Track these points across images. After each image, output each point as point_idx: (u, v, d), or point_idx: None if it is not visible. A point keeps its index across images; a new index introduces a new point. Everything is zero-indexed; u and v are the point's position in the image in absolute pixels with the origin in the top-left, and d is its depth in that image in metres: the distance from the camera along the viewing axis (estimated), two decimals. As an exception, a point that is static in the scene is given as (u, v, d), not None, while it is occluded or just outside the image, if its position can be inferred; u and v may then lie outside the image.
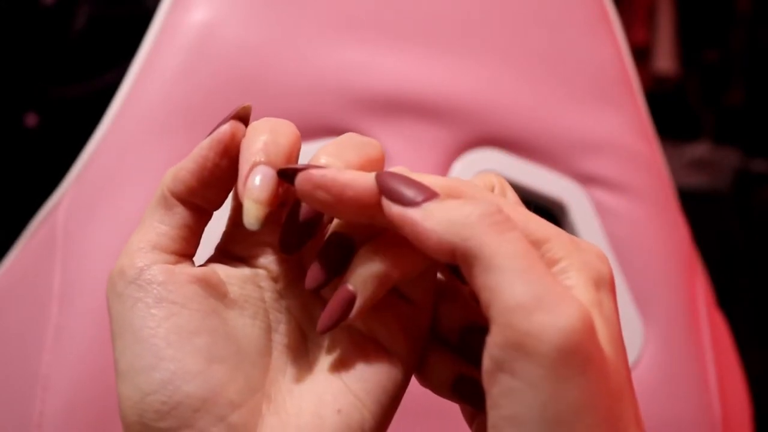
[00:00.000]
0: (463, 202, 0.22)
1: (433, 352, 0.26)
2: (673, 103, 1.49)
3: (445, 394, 0.26)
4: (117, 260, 0.25)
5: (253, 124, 0.26)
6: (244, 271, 0.26)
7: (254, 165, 0.24)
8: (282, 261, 0.27)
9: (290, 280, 0.27)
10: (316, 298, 0.27)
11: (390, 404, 0.25)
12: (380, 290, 0.24)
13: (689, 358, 0.50)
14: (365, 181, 0.23)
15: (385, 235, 0.25)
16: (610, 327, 0.22)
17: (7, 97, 0.78)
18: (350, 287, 0.24)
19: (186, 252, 0.26)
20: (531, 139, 0.51)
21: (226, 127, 0.25)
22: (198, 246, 0.26)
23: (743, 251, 1.25)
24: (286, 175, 0.24)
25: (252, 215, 0.24)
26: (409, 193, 0.23)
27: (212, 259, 0.27)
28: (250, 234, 0.26)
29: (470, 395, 0.25)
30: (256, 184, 0.24)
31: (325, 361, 0.26)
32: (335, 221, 0.26)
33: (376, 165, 0.26)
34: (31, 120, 0.78)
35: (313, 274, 0.25)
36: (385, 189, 0.23)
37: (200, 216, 0.26)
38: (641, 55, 1.44)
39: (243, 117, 0.26)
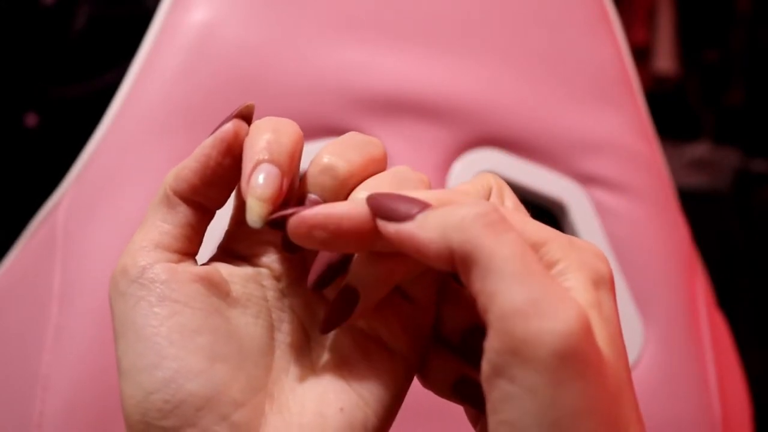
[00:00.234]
0: (457, 206, 0.22)
1: (435, 354, 0.26)
2: (673, 103, 1.49)
3: (446, 396, 0.26)
4: (119, 259, 0.25)
5: (256, 123, 0.26)
6: (246, 270, 0.26)
7: (258, 163, 0.24)
8: (285, 260, 0.27)
9: (293, 278, 0.27)
10: (319, 296, 0.27)
11: (393, 403, 0.25)
12: (383, 290, 0.24)
13: (689, 358, 0.50)
14: (358, 208, 0.23)
15: None
16: (609, 327, 0.22)
17: (7, 97, 0.78)
18: (352, 287, 0.24)
19: (189, 251, 0.26)
20: (531, 139, 0.51)
21: (229, 126, 0.25)
22: (201, 245, 0.26)
23: (743, 251, 1.25)
24: (277, 223, 0.24)
25: (255, 213, 0.24)
26: (402, 208, 0.22)
27: (215, 258, 0.27)
28: (253, 232, 0.26)
29: (472, 397, 0.25)
30: (259, 182, 0.24)
31: (327, 359, 0.26)
32: None
33: (379, 164, 0.26)
34: (31, 120, 0.78)
35: (316, 272, 0.25)
36: (377, 209, 0.23)
37: (203, 215, 0.26)
38: (641, 55, 1.44)
39: (246, 116, 0.26)
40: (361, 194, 0.25)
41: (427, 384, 0.26)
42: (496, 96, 0.51)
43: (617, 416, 0.21)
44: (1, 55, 0.77)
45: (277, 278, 0.27)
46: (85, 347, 0.43)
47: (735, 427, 0.51)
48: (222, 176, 0.25)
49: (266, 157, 0.24)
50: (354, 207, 0.23)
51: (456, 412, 0.27)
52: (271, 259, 0.27)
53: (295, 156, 0.25)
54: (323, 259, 0.25)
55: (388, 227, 0.22)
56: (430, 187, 0.26)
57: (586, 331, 0.20)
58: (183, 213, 0.25)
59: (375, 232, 0.23)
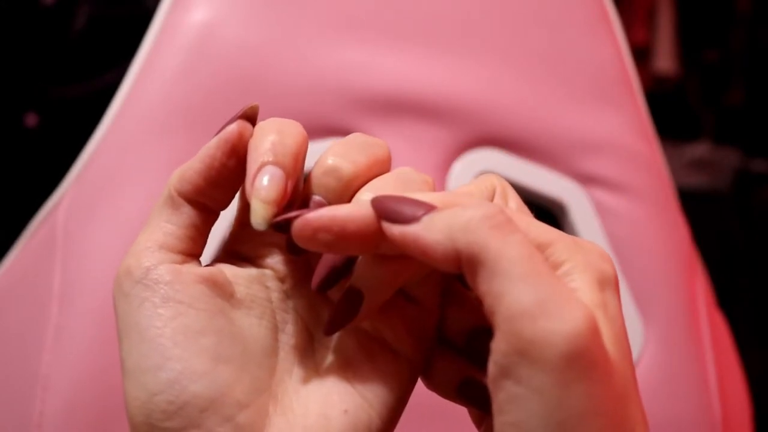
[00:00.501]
0: (463, 207, 0.22)
1: (439, 355, 0.26)
2: (673, 103, 1.48)
3: (450, 397, 0.26)
4: (123, 260, 0.25)
5: (260, 124, 0.26)
6: (250, 271, 0.26)
7: (262, 165, 0.24)
8: (289, 261, 0.27)
9: (297, 280, 0.27)
10: (323, 298, 0.27)
11: (397, 405, 0.25)
12: (387, 292, 0.24)
13: (689, 358, 0.50)
14: (363, 210, 0.23)
15: None
16: (614, 327, 0.22)
17: (7, 97, 0.78)
18: (357, 288, 0.24)
19: (193, 252, 0.26)
20: (531, 139, 0.51)
21: (233, 127, 0.25)
22: (205, 246, 0.26)
23: (743, 251, 1.25)
24: (280, 226, 0.24)
25: (259, 215, 0.23)
26: (407, 210, 0.22)
27: (219, 259, 0.27)
28: (257, 234, 0.26)
29: (476, 398, 0.25)
30: (264, 184, 0.24)
31: (331, 361, 0.26)
32: None
33: (383, 165, 0.26)
34: (31, 120, 0.78)
35: (320, 274, 0.25)
36: (382, 212, 0.23)
37: (207, 216, 0.26)
38: (641, 55, 1.44)
39: (250, 116, 0.26)
40: (365, 196, 0.25)
41: (431, 386, 0.26)
42: (496, 96, 0.51)
43: (623, 417, 0.21)
44: (1, 55, 0.77)
45: (282, 280, 0.27)
46: (85, 347, 0.43)
47: (735, 427, 0.51)
48: (226, 177, 0.25)
49: (270, 159, 0.24)
50: (358, 209, 0.23)
51: (459, 413, 0.27)
52: (275, 261, 0.27)
53: (300, 157, 0.25)
54: (327, 260, 0.25)
55: (393, 229, 0.22)
56: (434, 188, 0.26)
57: (593, 332, 0.20)
58: (187, 214, 0.25)
59: (379, 235, 0.23)
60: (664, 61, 1.46)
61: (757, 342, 1.10)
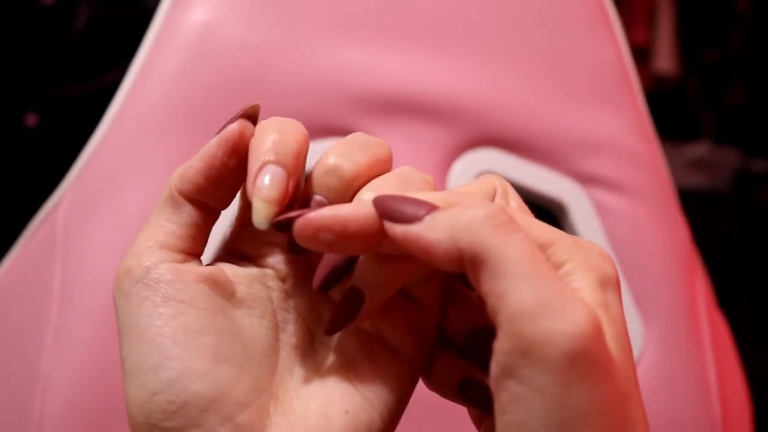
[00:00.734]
0: (464, 207, 0.22)
1: (439, 355, 0.26)
2: (673, 103, 1.48)
3: (451, 397, 0.26)
4: (124, 259, 0.25)
5: (261, 123, 0.26)
6: (251, 271, 0.26)
7: (264, 164, 0.24)
8: (290, 261, 0.27)
9: (298, 279, 0.27)
10: (324, 298, 0.27)
11: (398, 405, 0.25)
12: (388, 292, 0.24)
13: (689, 358, 0.50)
14: (364, 210, 0.23)
15: None
16: (616, 327, 0.22)
17: (7, 97, 0.78)
18: (358, 288, 0.24)
19: (194, 251, 0.26)
20: (531, 139, 0.51)
21: (234, 126, 0.25)
22: (206, 245, 0.26)
23: (743, 251, 1.25)
24: (282, 226, 0.24)
25: (261, 215, 0.23)
26: (408, 209, 0.22)
27: (219, 258, 0.27)
28: (258, 233, 0.26)
29: (477, 398, 0.25)
30: (265, 184, 0.24)
31: (332, 361, 0.26)
32: None
33: (384, 165, 0.26)
34: (31, 120, 0.78)
35: (321, 274, 0.25)
36: (384, 211, 0.23)
37: (208, 215, 0.26)
38: (641, 55, 1.44)
39: (251, 116, 0.26)
40: (366, 195, 0.25)
41: (432, 386, 0.26)
42: (496, 96, 0.51)
43: (625, 417, 0.21)
44: (1, 55, 0.77)
45: (282, 279, 0.27)
46: (85, 347, 0.43)
47: (735, 427, 0.51)
48: (227, 176, 0.25)
49: (272, 158, 0.24)
50: (360, 209, 0.23)
51: (459, 413, 0.27)
52: (276, 260, 0.27)
53: (301, 157, 0.25)
54: (329, 260, 0.25)
55: (395, 229, 0.22)
56: (434, 187, 0.26)
57: (596, 331, 0.20)
58: (188, 213, 0.25)
59: (381, 234, 0.23)
60: (664, 61, 1.46)
61: (757, 342, 1.10)
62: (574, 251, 0.23)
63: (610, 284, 0.23)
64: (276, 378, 0.25)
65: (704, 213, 1.10)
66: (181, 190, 0.25)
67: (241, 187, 0.26)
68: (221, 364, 0.23)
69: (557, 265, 0.23)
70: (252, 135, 0.25)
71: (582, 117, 0.53)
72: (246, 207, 0.27)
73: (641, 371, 0.48)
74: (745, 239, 1.27)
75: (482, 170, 0.50)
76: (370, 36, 0.51)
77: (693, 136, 1.49)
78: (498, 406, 0.21)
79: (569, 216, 0.51)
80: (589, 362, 0.20)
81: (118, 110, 0.48)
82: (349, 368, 0.25)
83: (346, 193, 0.25)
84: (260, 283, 0.26)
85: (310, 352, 0.26)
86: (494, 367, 0.21)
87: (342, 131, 0.49)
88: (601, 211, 0.51)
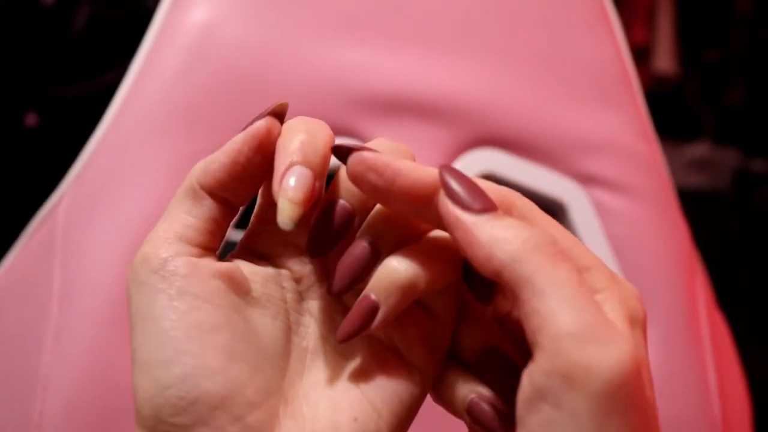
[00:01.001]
0: (521, 225, 0.22)
1: (449, 370, 0.26)
2: (673, 103, 1.48)
3: (457, 414, 0.25)
4: (141, 248, 0.25)
5: (288, 123, 0.25)
6: (267, 270, 0.26)
7: (291, 165, 0.24)
8: (306, 262, 0.26)
9: (313, 282, 0.26)
10: (338, 302, 0.27)
11: (406, 417, 0.25)
12: (404, 302, 0.24)
13: (689, 358, 0.50)
14: (419, 172, 0.23)
15: (414, 245, 0.24)
16: (644, 367, 0.22)
17: (7, 97, 0.78)
18: (373, 297, 0.24)
19: (211, 246, 0.25)
20: (531, 139, 0.51)
21: (262, 123, 0.25)
22: (223, 240, 0.26)
23: (743, 251, 1.25)
24: (340, 152, 0.24)
25: (286, 215, 0.23)
26: (468, 197, 0.22)
27: (236, 255, 0.27)
28: (276, 232, 0.26)
29: (482, 417, 0.25)
30: (291, 184, 0.23)
31: (343, 367, 0.26)
32: (364, 225, 0.25)
33: None
34: (31, 120, 0.78)
35: (337, 278, 0.25)
36: (446, 186, 0.23)
37: (227, 210, 0.26)
38: (641, 55, 1.44)
39: (279, 114, 0.25)
40: None
41: (439, 400, 0.26)
42: (496, 96, 0.51)
43: None
44: (1, 55, 0.77)
45: (297, 280, 0.26)
46: (85, 347, 0.43)
47: (735, 427, 0.51)
48: (251, 173, 0.25)
49: (300, 159, 0.24)
50: (418, 168, 0.23)
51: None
52: (292, 261, 0.26)
53: (327, 159, 0.25)
54: (345, 264, 0.25)
55: (450, 207, 0.22)
56: None
57: (637, 366, 0.20)
58: (208, 207, 0.25)
59: (425, 202, 0.23)
60: (664, 61, 1.46)
61: (757, 342, 1.10)
62: (610, 282, 0.23)
63: (638, 324, 0.23)
64: (286, 380, 0.25)
65: (704, 213, 1.10)
66: (203, 183, 0.25)
67: (263, 186, 0.26)
68: (234, 363, 0.23)
69: (591, 291, 0.22)
70: (279, 133, 0.25)
71: (582, 117, 0.53)
72: (266, 205, 0.27)
73: (641, 371, 0.48)
74: (745, 239, 1.27)
75: (482, 170, 0.50)
76: (370, 36, 0.51)
77: (693, 136, 1.49)
78: (524, 429, 0.20)
79: (569, 216, 0.51)
80: (627, 396, 0.20)
81: (118, 110, 0.48)
82: (359, 375, 0.25)
83: (371, 200, 0.25)
84: (275, 283, 0.26)
85: (321, 356, 0.26)
86: (527, 388, 0.20)
87: (342, 131, 0.49)
88: (601, 211, 0.51)
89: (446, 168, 0.23)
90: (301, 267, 0.26)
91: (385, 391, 0.25)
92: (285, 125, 0.25)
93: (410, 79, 0.50)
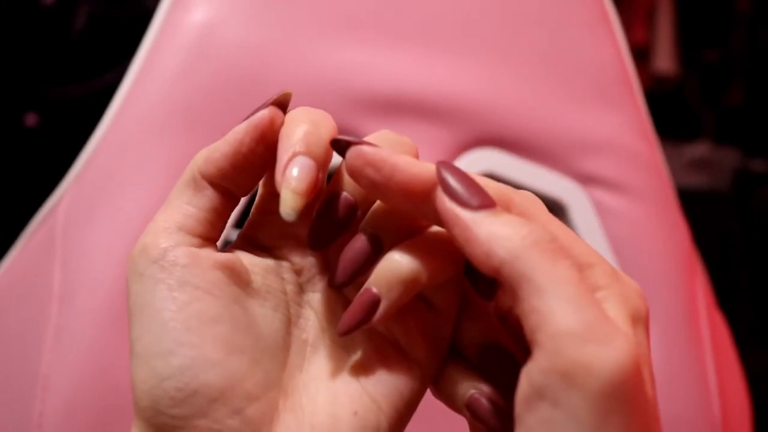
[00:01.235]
0: (520, 222, 0.21)
1: (449, 366, 0.26)
2: (673, 103, 1.49)
3: (457, 409, 0.25)
4: (140, 238, 0.24)
5: (291, 113, 0.25)
6: (267, 262, 0.26)
7: (294, 155, 0.23)
8: (307, 254, 0.26)
9: (314, 274, 0.26)
10: (339, 295, 0.26)
11: (406, 411, 0.25)
12: (405, 295, 0.24)
13: (689, 357, 0.50)
14: (418, 168, 0.23)
15: (416, 239, 0.24)
16: (646, 365, 0.22)
17: (7, 97, 0.78)
18: (375, 290, 0.24)
19: (211, 236, 0.25)
20: (531, 139, 0.51)
21: (265, 113, 0.24)
22: (223, 231, 0.26)
23: (743, 251, 1.25)
24: (339, 146, 0.24)
25: (289, 206, 0.23)
26: (466, 194, 0.22)
27: (236, 245, 0.26)
28: (277, 223, 0.26)
29: (482, 413, 0.24)
30: (294, 175, 0.23)
31: (343, 361, 0.26)
32: (366, 218, 0.25)
33: None
34: (31, 120, 0.78)
35: (338, 271, 0.24)
36: (444, 182, 0.22)
37: (228, 200, 0.25)
38: (641, 55, 1.44)
39: (282, 104, 0.25)
40: None
41: (439, 394, 0.26)
42: (496, 96, 0.51)
43: None
44: (1, 55, 0.77)
45: (298, 272, 0.26)
46: (85, 347, 0.43)
47: (735, 427, 0.51)
48: (253, 163, 0.25)
49: (303, 150, 0.23)
50: (416, 164, 0.23)
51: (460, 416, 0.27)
52: (293, 253, 0.26)
53: (330, 149, 0.25)
54: (346, 257, 0.24)
55: (447, 204, 0.22)
56: None
57: (638, 365, 0.20)
58: (209, 197, 0.25)
59: (423, 197, 0.23)
60: (664, 61, 1.46)
61: (757, 342, 1.10)
62: (612, 279, 0.22)
63: (640, 322, 0.23)
64: (286, 373, 0.25)
65: (704, 213, 1.10)
66: (205, 173, 0.25)
67: (264, 176, 0.26)
68: (234, 355, 0.23)
69: (593, 288, 0.22)
70: (282, 123, 0.25)
71: (582, 117, 0.53)
72: (267, 196, 0.27)
73: (641, 371, 0.48)
74: (745, 239, 1.27)
75: (482, 170, 0.50)
76: (370, 36, 0.51)
77: (693, 136, 1.49)
78: (523, 427, 0.20)
79: (569, 216, 0.51)
80: (627, 395, 0.19)
81: (118, 110, 0.48)
82: (360, 369, 0.25)
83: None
84: (275, 274, 0.26)
85: (321, 349, 0.26)
86: (526, 386, 0.20)
87: (342, 131, 0.49)
88: (601, 211, 0.51)
89: (444, 164, 0.23)
90: (302, 259, 0.26)
91: (385, 385, 0.25)
92: (288, 115, 0.25)
93: (410, 79, 0.50)
